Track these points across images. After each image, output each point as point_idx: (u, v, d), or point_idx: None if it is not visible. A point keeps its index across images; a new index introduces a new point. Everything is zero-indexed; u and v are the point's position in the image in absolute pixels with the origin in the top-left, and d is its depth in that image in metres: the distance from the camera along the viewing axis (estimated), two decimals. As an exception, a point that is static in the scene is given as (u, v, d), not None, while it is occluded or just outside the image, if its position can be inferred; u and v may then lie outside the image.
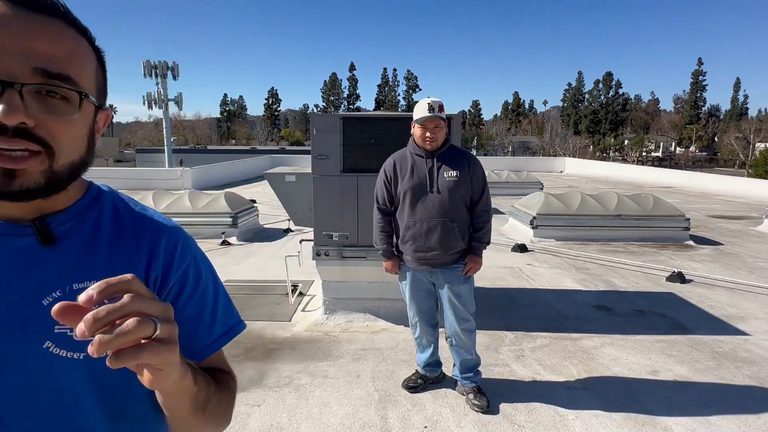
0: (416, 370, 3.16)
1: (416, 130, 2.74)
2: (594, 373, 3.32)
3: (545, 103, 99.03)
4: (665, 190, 15.71)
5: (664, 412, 2.84)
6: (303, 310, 4.46)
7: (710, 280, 5.55)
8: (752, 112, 76.09)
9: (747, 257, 6.78)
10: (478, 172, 2.78)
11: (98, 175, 16.01)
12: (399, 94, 75.37)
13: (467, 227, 2.79)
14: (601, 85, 74.95)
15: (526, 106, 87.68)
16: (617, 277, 5.69)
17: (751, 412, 2.87)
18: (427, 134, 2.68)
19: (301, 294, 4.89)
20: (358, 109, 71.20)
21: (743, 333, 4.04)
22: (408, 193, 2.74)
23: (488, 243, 2.84)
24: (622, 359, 3.53)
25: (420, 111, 2.69)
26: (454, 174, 2.70)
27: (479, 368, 2.98)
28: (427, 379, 3.10)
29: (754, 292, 5.17)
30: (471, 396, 2.86)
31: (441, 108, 2.68)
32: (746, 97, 76.09)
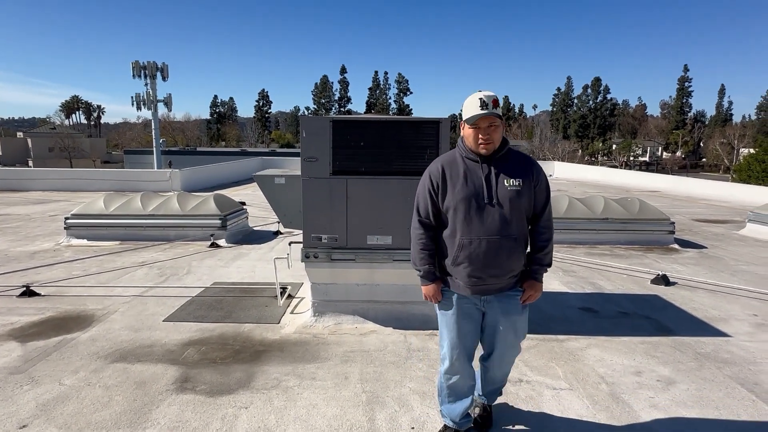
0: (445, 426, 2.62)
1: (466, 132, 2.26)
2: (579, 374, 3.37)
3: (535, 107, 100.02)
4: (651, 194, 15.93)
5: (647, 413, 2.89)
6: (292, 313, 4.46)
7: (694, 283, 5.65)
8: (737, 118, 77.70)
9: (730, 260, 6.91)
10: (542, 181, 2.34)
11: (86, 176, 15.84)
12: (390, 97, 75.72)
13: (526, 245, 2.38)
14: (589, 90, 75.89)
15: (516, 110, 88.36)
16: (603, 279, 5.77)
17: (731, 412, 2.93)
18: (481, 136, 2.22)
19: (290, 296, 4.89)
20: (349, 111, 71.26)
21: (725, 334, 4.12)
22: (461, 204, 2.25)
23: (550, 266, 2.42)
24: (607, 360, 3.59)
25: (470, 108, 2.20)
26: (517, 183, 2.25)
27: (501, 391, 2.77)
28: None
29: (735, 294, 5.27)
30: (477, 411, 2.74)
31: (496, 103, 2.19)
32: (731, 103, 77.36)
